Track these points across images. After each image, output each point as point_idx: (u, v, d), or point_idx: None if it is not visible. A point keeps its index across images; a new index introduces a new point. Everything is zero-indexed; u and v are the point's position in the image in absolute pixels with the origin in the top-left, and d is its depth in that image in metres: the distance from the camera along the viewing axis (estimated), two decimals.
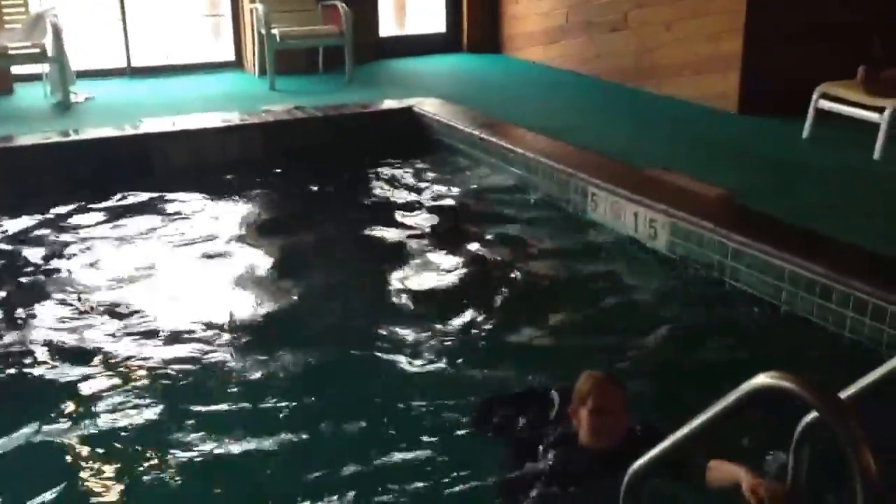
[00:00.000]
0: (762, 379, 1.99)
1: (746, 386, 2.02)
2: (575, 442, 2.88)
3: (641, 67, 8.26)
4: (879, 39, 6.34)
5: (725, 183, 5.60)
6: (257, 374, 3.93)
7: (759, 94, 7.23)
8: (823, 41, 6.95)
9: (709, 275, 4.82)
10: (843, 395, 2.34)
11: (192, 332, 4.33)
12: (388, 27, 10.21)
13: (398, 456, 3.32)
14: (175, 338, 4.27)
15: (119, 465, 3.32)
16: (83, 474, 3.28)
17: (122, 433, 3.51)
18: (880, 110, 6.19)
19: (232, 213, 6.01)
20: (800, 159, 6.30)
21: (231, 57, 9.48)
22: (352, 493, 3.11)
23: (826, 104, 6.57)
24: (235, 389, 3.82)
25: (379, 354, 4.10)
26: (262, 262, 5.20)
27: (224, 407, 3.68)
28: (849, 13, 7.07)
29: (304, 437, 3.46)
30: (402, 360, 4.04)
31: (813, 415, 2.49)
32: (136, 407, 3.67)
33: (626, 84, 8.37)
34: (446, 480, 3.17)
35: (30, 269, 5.11)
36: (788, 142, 6.64)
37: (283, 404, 3.67)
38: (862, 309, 4.07)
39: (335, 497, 3.10)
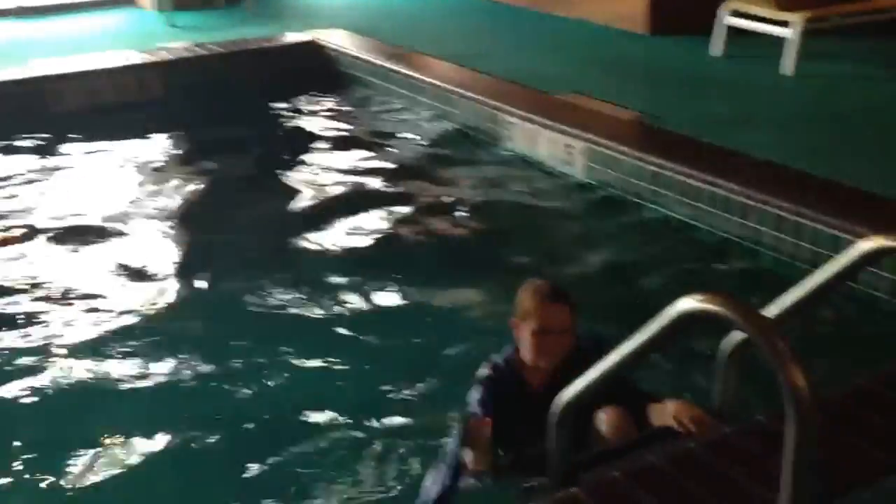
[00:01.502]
0: (687, 302, 1.93)
1: (671, 310, 1.96)
2: (522, 375, 2.67)
3: None
4: None
5: (638, 105, 5.55)
6: (168, 330, 3.73)
7: (668, 13, 7.17)
8: None
9: (626, 198, 4.77)
10: (767, 313, 2.30)
11: (86, 286, 4.09)
12: None
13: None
14: (68, 293, 4.03)
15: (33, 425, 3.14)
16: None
17: (34, 392, 3.32)
18: (788, 24, 6.19)
19: (131, 158, 5.71)
20: (711, 77, 6.28)
21: None
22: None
23: (735, 21, 6.54)
24: (144, 348, 3.61)
25: (290, 299, 3.96)
26: (164, 206, 4.96)
27: (134, 369, 3.49)
28: None
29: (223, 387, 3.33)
30: (319, 303, 3.91)
31: (738, 335, 2.46)
32: (39, 370, 3.46)
33: (534, 8, 8.22)
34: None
35: None
36: (699, 61, 6.62)
37: (190, 370, 3.46)
38: (779, 226, 4.07)
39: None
